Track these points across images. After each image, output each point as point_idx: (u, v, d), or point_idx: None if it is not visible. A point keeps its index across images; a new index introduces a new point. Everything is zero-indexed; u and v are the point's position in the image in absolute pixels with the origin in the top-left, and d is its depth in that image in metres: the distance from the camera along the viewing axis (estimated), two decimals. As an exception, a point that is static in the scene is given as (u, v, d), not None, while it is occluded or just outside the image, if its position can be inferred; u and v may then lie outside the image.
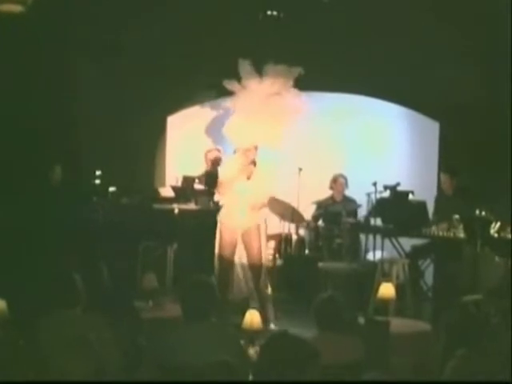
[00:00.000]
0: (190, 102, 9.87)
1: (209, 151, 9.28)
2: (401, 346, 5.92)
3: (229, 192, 7.62)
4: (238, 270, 7.87)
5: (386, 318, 6.10)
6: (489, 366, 3.96)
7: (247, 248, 7.67)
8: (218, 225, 7.69)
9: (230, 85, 7.77)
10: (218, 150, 9.22)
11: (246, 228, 7.62)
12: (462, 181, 8.57)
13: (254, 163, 7.58)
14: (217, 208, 8.36)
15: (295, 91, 7.81)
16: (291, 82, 7.77)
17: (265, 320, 7.47)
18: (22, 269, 7.16)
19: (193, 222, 8.36)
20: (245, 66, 7.74)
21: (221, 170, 7.63)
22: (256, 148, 7.59)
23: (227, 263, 7.66)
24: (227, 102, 7.98)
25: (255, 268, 7.68)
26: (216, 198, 7.84)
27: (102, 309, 4.85)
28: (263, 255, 7.75)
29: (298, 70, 7.72)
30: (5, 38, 8.41)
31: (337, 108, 9.78)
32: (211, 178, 7.67)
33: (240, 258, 7.79)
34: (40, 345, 4.20)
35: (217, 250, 7.67)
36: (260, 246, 7.68)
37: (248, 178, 7.58)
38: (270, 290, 7.80)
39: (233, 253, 7.68)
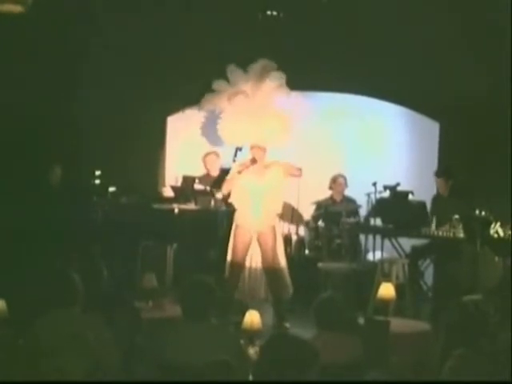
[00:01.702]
0: (189, 103, 9.86)
1: (206, 155, 9.26)
2: (400, 345, 5.92)
3: (236, 191, 7.65)
4: (250, 272, 7.88)
5: (385, 318, 6.09)
6: (488, 365, 3.95)
7: (262, 250, 7.69)
8: (233, 226, 7.72)
9: (219, 85, 7.81)
10: (216, 154, 9.19)
11: (261, 230, 7.64)
12: (459, 181, 8.57)
13: (253, 161, 7.59)
14: (216, 208, 8.39)
15: (285, 89, 7.83)
16: (278, 80, 7.79)
17: (280, 319, 7.53)
18: (21, 268, 7.16)
19: (192, 221, 8.35)
20: (232, 71, 7.79)
21: (231, 171, 7.70)
22: (260, 148, 7.61)
23: (239, 265, 7.68)
24: (219, 102, 7.99)
25: (269, 269, 7.69)
26: (230, 199, 7.85)
27: (101, 308, 4.85)
28: (279, 257, 7.76)
29: (273, 65, 7.76)
30: (4, 38, 8.41)
31: (336, 108, 9.77)
32: (218, 180, 7.75)
33: (251, 259, 7.82)
34: (39, 344, 4.19)
35: (229, 251, 7.70)
36: (275, 248, 7.70)
37: (257, 179, 7.62)
38: (289, 290, 7.82)
39: (245, 255, 7.70)
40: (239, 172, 7.59)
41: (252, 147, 7.63)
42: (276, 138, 7.70)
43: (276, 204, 7.76)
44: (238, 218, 7.72)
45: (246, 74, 7.83)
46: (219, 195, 8.46)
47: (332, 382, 4.10)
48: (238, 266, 7.68)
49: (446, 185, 8.58)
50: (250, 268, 7.83)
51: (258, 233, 7.66)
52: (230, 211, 7.95)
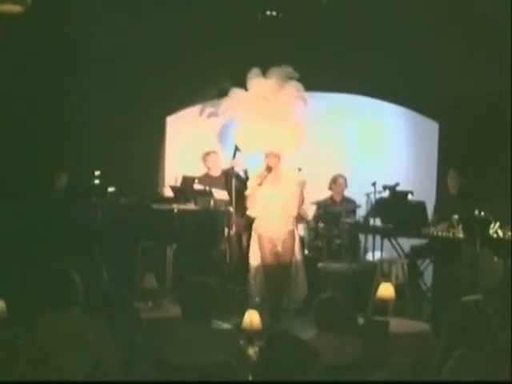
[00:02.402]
0: (189, 103, 9.86)
1: (207, 154, 9.26)
2: (400, 346, 5.92)
3: (257, 202, 7.78)
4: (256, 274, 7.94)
5: (385, 318, 6.10)
6: (488, 366, 3.95)
7: (280, 254, 7.81)
8: (255, 236, 7.86)
9: (236, 92, 7.84)
10: (216, 153, 9.19)
11: (281, 235, 7.77)
12: (469, 181, 8.56)
13: (269, 170, 7.67)
14: (216, 208, 8.40)
15: (302, 95, 7.86)
16: (297, 86, 7.83)
17: (276, 320, 7.59)
18: (21, 268, 7.15)
19: (192, 222, 8.36)
20: (253, 75, 7.82)
21: (249, 183, 7.85)
22: (276, 156, 7.68)
23: (274, 271, 7.78)
24: (231, 108, 8.02)
25: (283, 273, 7.79)
26: (249, 211, 7.98)
27: (101, 308, 4.84)
28: (297, 259, 7.86)
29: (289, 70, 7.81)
30: (4, 39, 8.42)
31: (336, 108, 9.77)
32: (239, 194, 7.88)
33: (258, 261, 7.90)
34: (39, 344, 4.19)
35: (259, 261, 7.83)
36: (293, 252, 7.83)
37: (273, 187, 7.72)
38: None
39: (275, 260, 7.78)
40: (260, 184, 7.73)
41: (267, 155, 7.74)
42: (291, 146, 7.78)
43: (292, 208, 7.85)
44: (259, 227, 7.84)
45: (264, 80, 7.86)
46: (220, 196, 8.49)
47: (332, 382, 4.10)
48: (274, 272, 7.78)
49: (458, 180, 8.55)
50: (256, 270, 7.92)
51: (279, 238, 7.77)
52: (229, 212, 8.03)
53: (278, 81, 7.83)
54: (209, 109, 8.13)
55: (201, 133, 9.78)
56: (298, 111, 7.91)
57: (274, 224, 7.76)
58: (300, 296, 7.93)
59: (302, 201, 7.93)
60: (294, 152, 7.87)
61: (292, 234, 7.86)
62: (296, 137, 7.77)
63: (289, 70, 7.86)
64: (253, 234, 7.92)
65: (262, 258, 7.82)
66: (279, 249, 7.79)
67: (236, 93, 7.90)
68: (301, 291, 7.92)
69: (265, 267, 7.81)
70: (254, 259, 7.90)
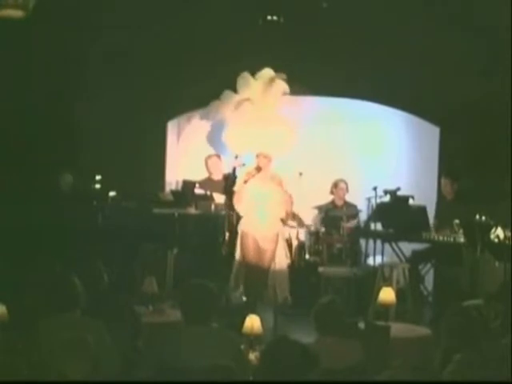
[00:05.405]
0: (189, 107, 9.87)
1: (209, 157, 9.28)
2: (401, 350, 5.91)
3: (244, 200, 7.77)
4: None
5: (386, 323, 6.09)
6: (488, 370, 3.95)
7: (260, 255, 7.77)
8: (239, 233, 7.85)
9: (227, 95, 7.88)
10: (218, 157, 9.22)
11: (265, 235, 7.75)
12: (463, 186, 8.56)
13: (259, 169, 7.70)
14: (217, 212, 8.40)
15: (290, 98, 7.91)
16: (285, 89, 7.88)
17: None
18: (21, 272, 7.16)
19: (193, 226, 8.36)
20: (241, 79, 7.87)
21: (237, 180, 7.87)
22: (266, 156, 7.69)
23: (256, 269, 7.75)
24: (224, 110, 8.06)
25: (263, 273, 7.76)
26: (236, 207, 7.98)
27: (101, 312, 4.84)
28: (278, 263, 7.82)
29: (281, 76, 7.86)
30: (5, 43, 8.43)
31: (337, 113, 9.77)
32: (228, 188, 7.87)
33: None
34: (39, 348, 4.19)
35: (240, 258, 7.80)
36: (274, 254, 7.79)
37: (262, 186, 7.72)
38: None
39: (258, 259, 7.76)
40: (245, 182, 7.76)
41: (257, 155, 7.77)
42: (282, 147, 7.81)
43: (280, 210, 7.84)
44: (244, 224, 7.84)
45: (253, 81, 7.90)
46: (221, 200, 8.50)
47: (332, 382, 4.10)
48: (256, 271, 7.76)
49: (452, 187, 8.55)
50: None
51: (262, 238, 7.74)
52: (233, 216, 8.04)
53: (266, 82, 7.87)
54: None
55: (201, 137, 9.80)
56: (287, 112, 7.95)
57: (259, 223, 7.75)
58: (279, 299, 7.90)
59: (288, 201, 7.86)
60: (285, 153, 7.89)
61: (276, 236, 7.82)
62: (286, 138, 7.82)
63: (272, 72, 7.90)
64: (239, 231, 7.89)
65: (244, 257, 7.78)
66: (261, 248, 7.76)
67: (226, 95, 7.95)
68: (280, 293, 7.89)
69: (246, 266, 7.79)
70: (237, 257, 7.89)
